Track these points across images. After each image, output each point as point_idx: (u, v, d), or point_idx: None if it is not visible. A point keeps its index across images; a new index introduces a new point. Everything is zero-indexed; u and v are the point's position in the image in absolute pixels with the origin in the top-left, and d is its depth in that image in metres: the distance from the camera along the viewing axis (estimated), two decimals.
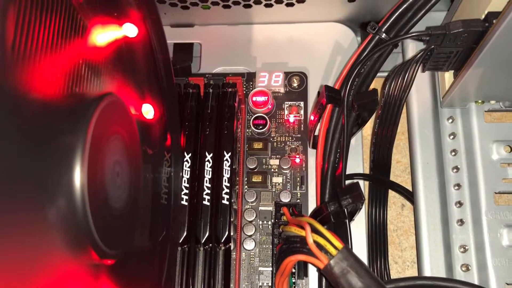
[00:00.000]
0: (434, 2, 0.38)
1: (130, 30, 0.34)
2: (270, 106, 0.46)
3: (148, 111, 0.37)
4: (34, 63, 0.22)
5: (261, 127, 0.45)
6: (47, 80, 0.23)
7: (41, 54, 0.23)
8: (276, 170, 0.45)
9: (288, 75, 0.48)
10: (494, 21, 0.34)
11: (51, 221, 0.23)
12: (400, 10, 0.39)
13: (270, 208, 0.44)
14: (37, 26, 0.22)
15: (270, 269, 0.42)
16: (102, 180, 0.28)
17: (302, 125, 0.46)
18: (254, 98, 0.45)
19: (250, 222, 0.43)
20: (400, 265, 0.48)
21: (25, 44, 0.21)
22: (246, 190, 0.44)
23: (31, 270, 0.21)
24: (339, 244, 0.31)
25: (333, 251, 0.31)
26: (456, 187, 0.43)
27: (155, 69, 0.38)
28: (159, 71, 0.38)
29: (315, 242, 0.31)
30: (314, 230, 0.32)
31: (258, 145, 0.45)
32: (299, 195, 0.44)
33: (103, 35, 0.31)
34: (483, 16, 0.36)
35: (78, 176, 0.24)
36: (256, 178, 0.44)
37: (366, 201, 0.46)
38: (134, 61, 0.36)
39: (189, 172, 0.41)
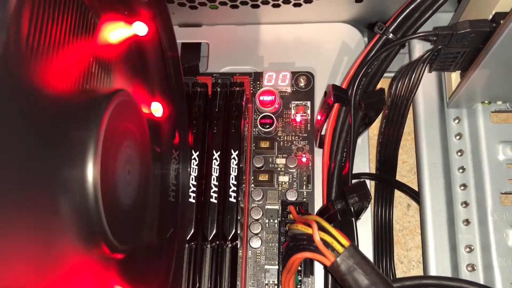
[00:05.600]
0: (442, 2, 0.39)
1: (140, 28, 0.35)
2: (277, 106, 0.46)
3: (157, 109, 0.38)
4: (46, 59, 0.22)
5: (268, 126, 0.45)
6: (59, 77, 0.24)
7: (53, 51, 0.23)
8: (283, 169, 0.45)
9: (295, 75, 0.48)
10: (501, 21, 0.34)
11: (65, 215, 0.23)
12: (408, 10, 0.39)
13: (277, 207, 0.44)
14: (49, 23, 0.23)
15: (276, 267, 0.42)
16: (114, 176, 0.28)
17: (308, 124, 0.47)
18: (261, 98, 0.45)
19: (257, 220, 0.43)
20: (405, 265, 0.48)
21: (38, 40, 0.21)
22: (252, 189, 0.44)
23: (45, 261, 0.21)
24: (345, 242, 0.31)
25: (339, 248, 0.31)
26: (462, 187, 0.43)
27: (164, 67, 0.38)
28: (168, 69, 0.38)
29: (322, 239, 0.31)
30: (321, 228, 0.32)
31: (265, 144, 0.45)
32: (305, 194, 0.44)
33: (114, 33, 0.31)
34: (490, 17, 0.36)
35: (91, 171, 0.25)
36: (263, 177, 0.44)
37: (372, 201, 0.46)
38: (144, 59, 0.36)
39: (196, 170, 0.41)
